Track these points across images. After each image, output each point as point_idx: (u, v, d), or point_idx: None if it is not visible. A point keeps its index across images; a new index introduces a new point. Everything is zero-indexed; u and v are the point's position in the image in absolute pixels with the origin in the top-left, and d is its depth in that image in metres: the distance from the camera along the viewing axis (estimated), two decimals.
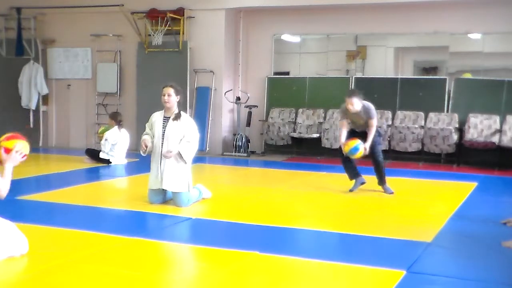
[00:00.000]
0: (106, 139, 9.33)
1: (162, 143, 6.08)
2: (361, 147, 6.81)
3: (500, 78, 10.35)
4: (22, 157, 4.15)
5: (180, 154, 6.00)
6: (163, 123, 6.13)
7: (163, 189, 6.15)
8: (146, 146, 6.12)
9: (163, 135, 6.09)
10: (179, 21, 11.62)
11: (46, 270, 3.93)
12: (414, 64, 11.70)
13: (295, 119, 11.49)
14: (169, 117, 6.13)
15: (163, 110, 6.21)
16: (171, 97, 6.11)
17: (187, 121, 6.20)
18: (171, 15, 11.44)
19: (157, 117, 6.22)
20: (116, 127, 9.44)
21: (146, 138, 6.19)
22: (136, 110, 11.93)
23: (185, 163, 6.06)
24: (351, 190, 7.18)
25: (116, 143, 9.37)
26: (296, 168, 9.85)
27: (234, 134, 11.67)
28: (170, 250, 4.70)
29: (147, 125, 6.31)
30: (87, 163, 9.53)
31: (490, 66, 10.80)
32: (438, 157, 10.45)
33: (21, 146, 4.13)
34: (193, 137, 6.12)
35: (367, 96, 11.15)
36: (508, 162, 9.72)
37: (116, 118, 9.53)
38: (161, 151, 6.06)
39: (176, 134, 6.06)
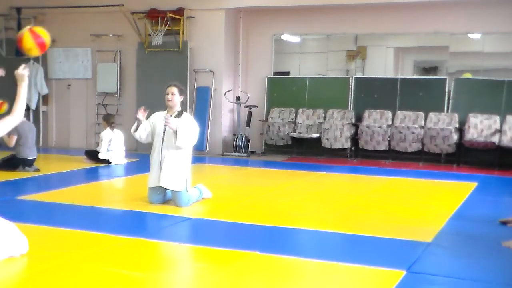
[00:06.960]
0: (101, 140, 9.52)
1: (163, 140, 6.10)
2: None
3: (500, 78, 10.35)
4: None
5: (177, 132, 5.91)
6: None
7: (162, 188, 6.15)
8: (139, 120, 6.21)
9: (164, 132, 6.11)
10: (179, 21, 11.62)
11: (46, 270, 3.93)
12: (414, 64, 11.70)
13: (295, 119, 11.49)
14: (171, 116, 6.13)
15: (166, 111, 6.23)
16: (175, 96, 6.13)
17: (188, 119, 6.20)
18: (171, 15, 11.44)
19: (159, 116, 6.23)
20: (108, 128, 9.61)
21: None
22: (136, 110, 11.84)
23: (175, 142, 5.95)
24: None
25: (111, 143, 9.51)
26: (296, 168, 9.85)
27: (234, 134, 11.66)
28: (170, 250, 4.69)
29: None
30: (87, 163, 9.57)
31: (490, 66, 10.80)
32: (438, 157, 10.45)
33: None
34: (192, 130, 6.09)
35: (367, 96, 11.33)
36: (508, 162, 9.72)
37: (108, 120, 9.74)
38: (162, 149, 6.07)
39: None
